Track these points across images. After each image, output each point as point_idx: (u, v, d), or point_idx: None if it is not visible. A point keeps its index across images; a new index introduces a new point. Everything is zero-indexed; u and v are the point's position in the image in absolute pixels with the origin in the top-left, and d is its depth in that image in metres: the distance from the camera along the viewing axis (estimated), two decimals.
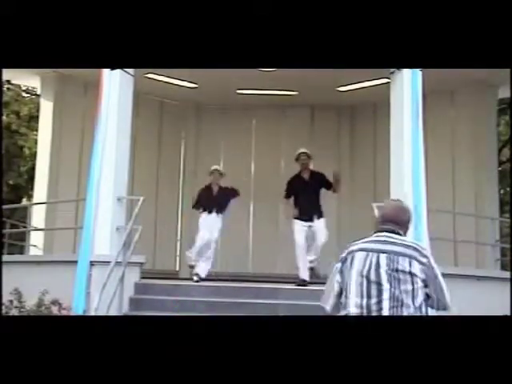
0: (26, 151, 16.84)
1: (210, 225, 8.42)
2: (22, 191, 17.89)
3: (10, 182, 16.99)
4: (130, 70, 7.39)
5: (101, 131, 6.97)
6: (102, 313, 5.90)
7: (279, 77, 9.70)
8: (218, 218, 8.52)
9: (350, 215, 11.32)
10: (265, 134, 11.95)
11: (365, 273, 2.93)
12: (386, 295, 2.86)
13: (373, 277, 2.90)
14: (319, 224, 8.11)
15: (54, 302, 6.59)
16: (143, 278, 7.19)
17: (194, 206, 8.88)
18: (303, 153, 8.30)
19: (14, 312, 6.74)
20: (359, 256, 2.99)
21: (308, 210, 8.11)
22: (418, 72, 7.03)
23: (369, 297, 2.89)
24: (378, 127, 10.87)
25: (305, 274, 7.97)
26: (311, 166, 8.40)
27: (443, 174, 10.35)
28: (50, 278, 7.03)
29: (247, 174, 11.68)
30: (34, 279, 7.15)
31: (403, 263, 2.87)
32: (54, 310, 6.54)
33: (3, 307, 6.66)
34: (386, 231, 3.05)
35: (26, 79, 12.06)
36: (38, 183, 10.67)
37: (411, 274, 2.86)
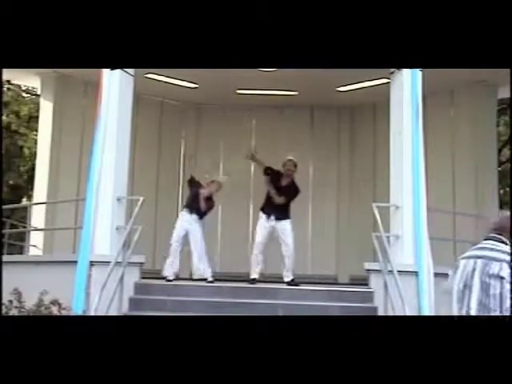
0: (26, 151, 16.86)
1: (184, 224, 8.18)
2: (21, 191, 17.90)
3: (10, 182, 17.00)
4: (130, 70, 7.38)
5: (101, 131, 6.96)
6: (101, 313, 5.89)
7: (279, 77, 9.69)
8: (194, 221, 8.20)
9: (350, 215, 11.32)
10: (265, 134, 11.93)
11: (463, 279, 3.13)
12: (473, 301, 3.03)
13: (467, 283, 3.10)
14: (281, 226, 7.98)
15: (54, 302, 6.58)
16: (143, 278, 7.19)
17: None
18: (290, 160, 8.17)
19: (14, 312, 6.73)
20: (462, 263, 3.22)
21: (270, 211, 8.06)
22: (418, 72, 7.03)
23: (461, 302, 3.08)
24: (378, 127, 10.86)
25: (254, 273, 7.90)
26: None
27: (443, 174, 10.34)
28: (50, 278, 7.03)
29: (247, 173, 11.66)
30: (33, 279, 7.14)
31: (494, 267, 3.04)
32: (54, 310, 6.54)
33: (3, 307, 6.65)
34: (490, 239, 3.25)
35: (26, 79, 12.06)
36: (38, 183, 10.66)
37: (500, 278, 3.01)
